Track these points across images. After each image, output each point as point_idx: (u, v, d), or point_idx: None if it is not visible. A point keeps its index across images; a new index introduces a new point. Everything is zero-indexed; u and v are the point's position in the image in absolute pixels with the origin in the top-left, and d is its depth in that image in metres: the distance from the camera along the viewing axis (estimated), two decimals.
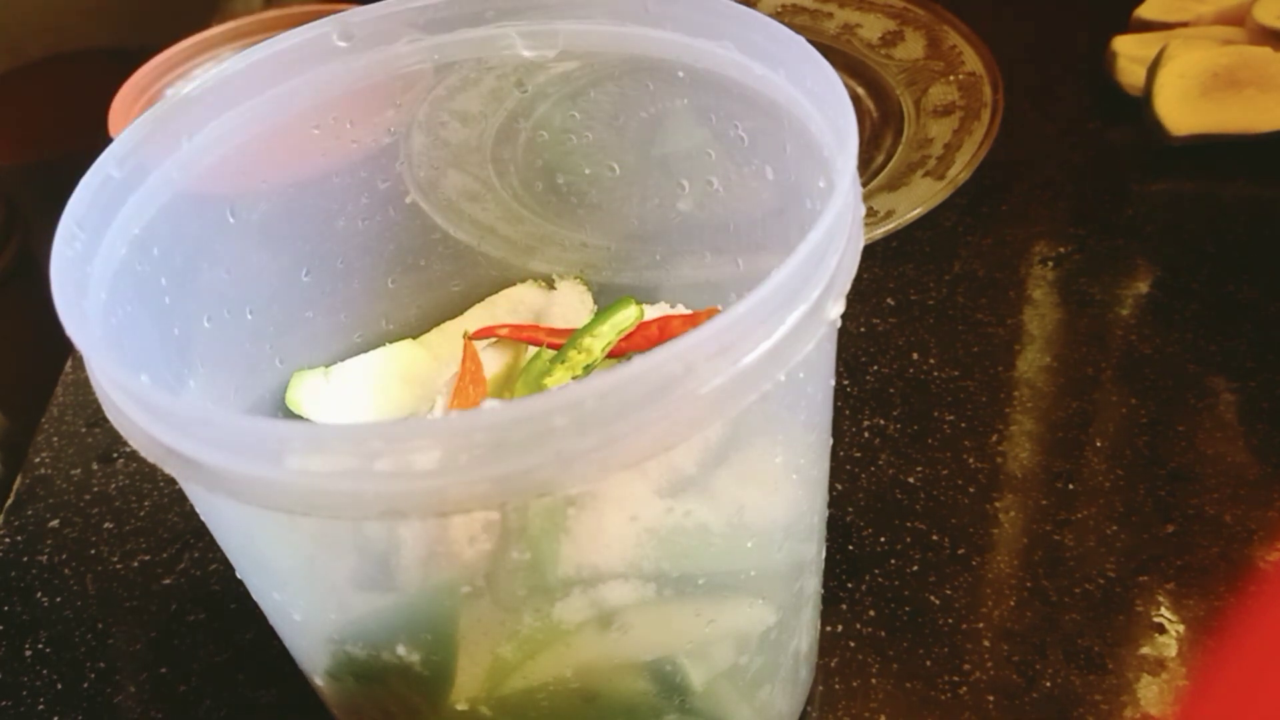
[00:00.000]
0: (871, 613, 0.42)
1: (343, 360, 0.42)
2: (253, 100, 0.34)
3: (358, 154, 0.39)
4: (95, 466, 0.50)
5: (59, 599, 0.45)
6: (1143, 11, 0.67)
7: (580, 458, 0.23)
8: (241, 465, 0.24)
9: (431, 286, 0.43)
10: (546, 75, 0.39)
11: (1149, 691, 0.39)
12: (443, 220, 0.42)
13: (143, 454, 0.26)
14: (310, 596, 0.32)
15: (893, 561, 0.43)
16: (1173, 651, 0.40)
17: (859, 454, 0.47)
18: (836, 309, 0.26)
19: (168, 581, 0.45)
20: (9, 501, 0.49)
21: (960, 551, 0.44)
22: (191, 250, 0.34)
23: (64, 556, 0.47)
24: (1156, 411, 0.48)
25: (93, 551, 0.47)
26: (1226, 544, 0.43)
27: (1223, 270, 0.54)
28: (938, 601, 0.42)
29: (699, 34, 0.33)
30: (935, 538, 0.44)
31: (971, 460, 0.47)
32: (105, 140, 0.35)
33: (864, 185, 0.54)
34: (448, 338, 0.43)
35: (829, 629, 0.41)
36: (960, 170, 0.57)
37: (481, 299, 0.44)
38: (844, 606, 0.42)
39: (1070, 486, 0.45)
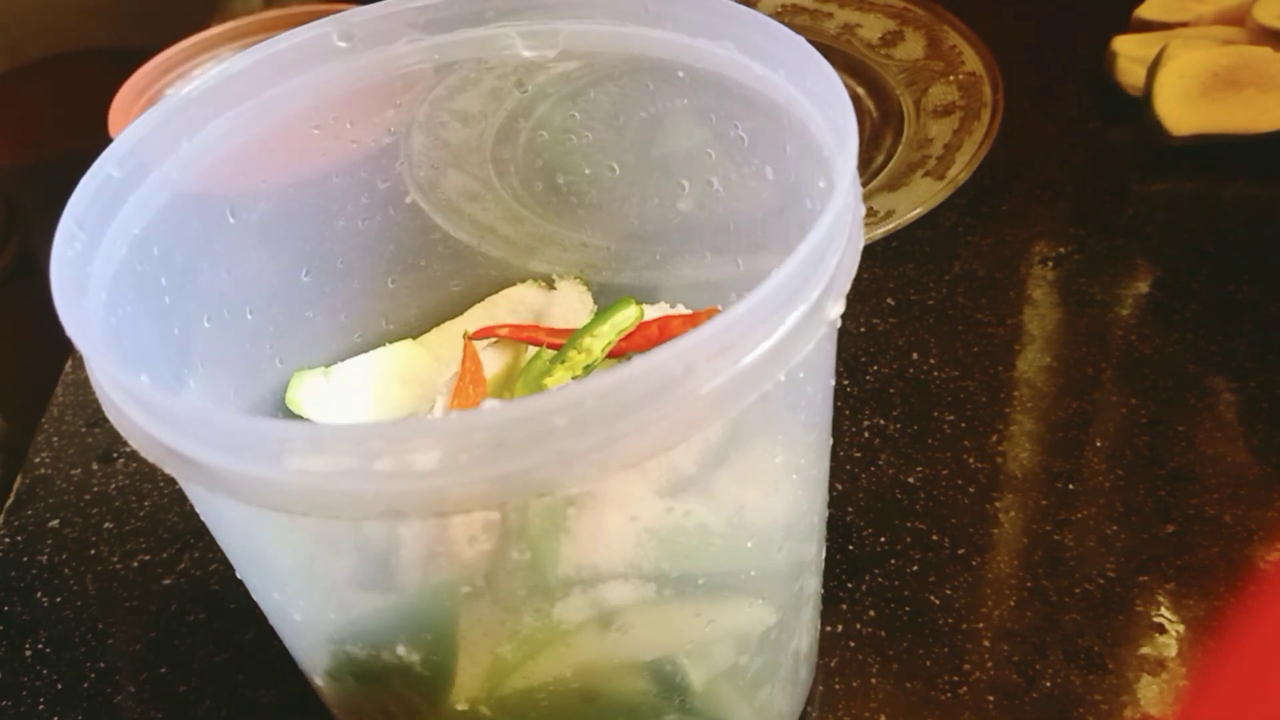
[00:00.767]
0: (871, 613, 0.42)
1: (343, 360, 0.42)
2: (253, 100, 0.34)
3: (358, 154, 0.39)
4: (95, 466, 0.50)
5: (59, 599, 0.45)
6: (1143, 11, 0.67)
7: (580, 458, 0.23)
8: (241, 465, 0.24)
9: (431, 286, 0.43)
10: (546, 75, 0.39)
11: (1149, 691, 0.39)
12: (443, 220, 0.42)
13: (143, 454, 0.26)
14: (310, 596, 0.32)
15: (893, 561, 0.43)
16: (1173, 651, 0.40)
17: (859, 454, 0.47)
18: (836, 309, 0.26)
19: (168, 581, 0.45)
20: (9, 501, 0.49)
21: (960, 551, 0.44)
22: (191, 250, 0.34)
23: (64, 556, 0.47)
24: (1156, 411, 0.48)
25: (93, 551, 0.47)
26: (1226, 544, 0.43)
27: (1223, 270, 0.54)
28: (938, 601, 0.42)
29: (699, 34, 0.33)
30: (935, 538, 0.44)
31: (971, 460, 0.47)
32: (105, 140, 0.35)
33: (864, 185, 0.54)
34: (448, 338, 0.43)
35: (829, 629, 0.41)
36: (960, 170, 0.57)
37: (481, 299, 0.44)
38: (844, 606, 0.42)
39: (1070, 486, 0.45)
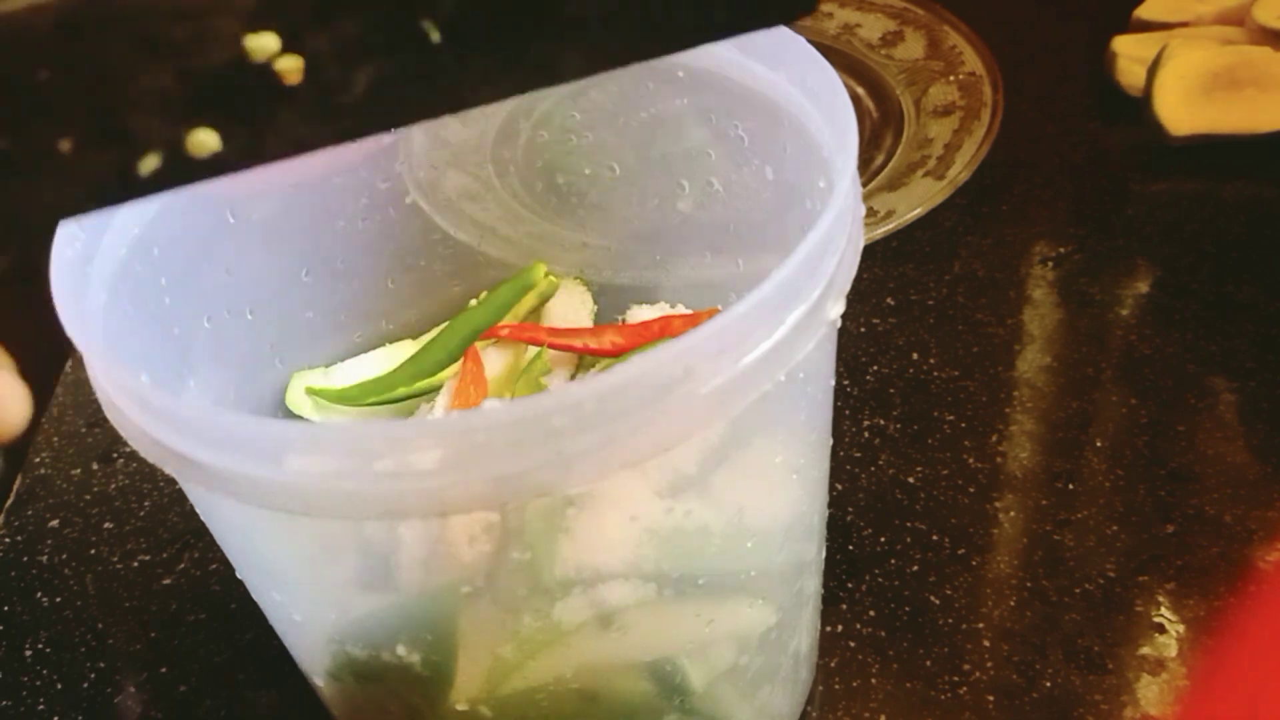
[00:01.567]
0: (871, 613, 0.42)
1: (343, 360, 0.42)
2: None
3: (358, 154, 0.39)
4: (95, 466, 0.50)
5: (59, 599, 0.45)
6: (1143, 11, 0.67)
7: (580, 458, 0.23)
8: (241, 465, 0.24)
9: (431, 286, 0.43)
10: None
11: (1149, 691, 0.39)
12: (443, 220, 0.42)
13: (143, 454, 0.26)
14: (310, 596, 0.32)
15: (893, 561, 0.43)
16: (1173, 651, 0.40)
17: (859, 454, 0.47)
18: (836, 309, 0.26)
19: (168, 581, 0.45)
20: (9, 501, 0.49)
21: (960, 551, 0.44)
22: (191, 250, 0.34)
23: (64, 556, 0.47)
24: (1156, 411, 0.48)
25: (93, 551, 0.47)
26: (1226, 544, 0.43)
27: (1223, 270, 0.54)
28: (938, 601, 0.42)
29: None
30: (935, 538, 0.44)
31: (971, 460, 0.47)
32: None
33: (864, 185, 0.54)
34: None
35: (829, 629, 0.41)
36: (960, 170, 0.57)
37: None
38: (844, 606, 0.42)
39: (1070, 486, 0.45)
